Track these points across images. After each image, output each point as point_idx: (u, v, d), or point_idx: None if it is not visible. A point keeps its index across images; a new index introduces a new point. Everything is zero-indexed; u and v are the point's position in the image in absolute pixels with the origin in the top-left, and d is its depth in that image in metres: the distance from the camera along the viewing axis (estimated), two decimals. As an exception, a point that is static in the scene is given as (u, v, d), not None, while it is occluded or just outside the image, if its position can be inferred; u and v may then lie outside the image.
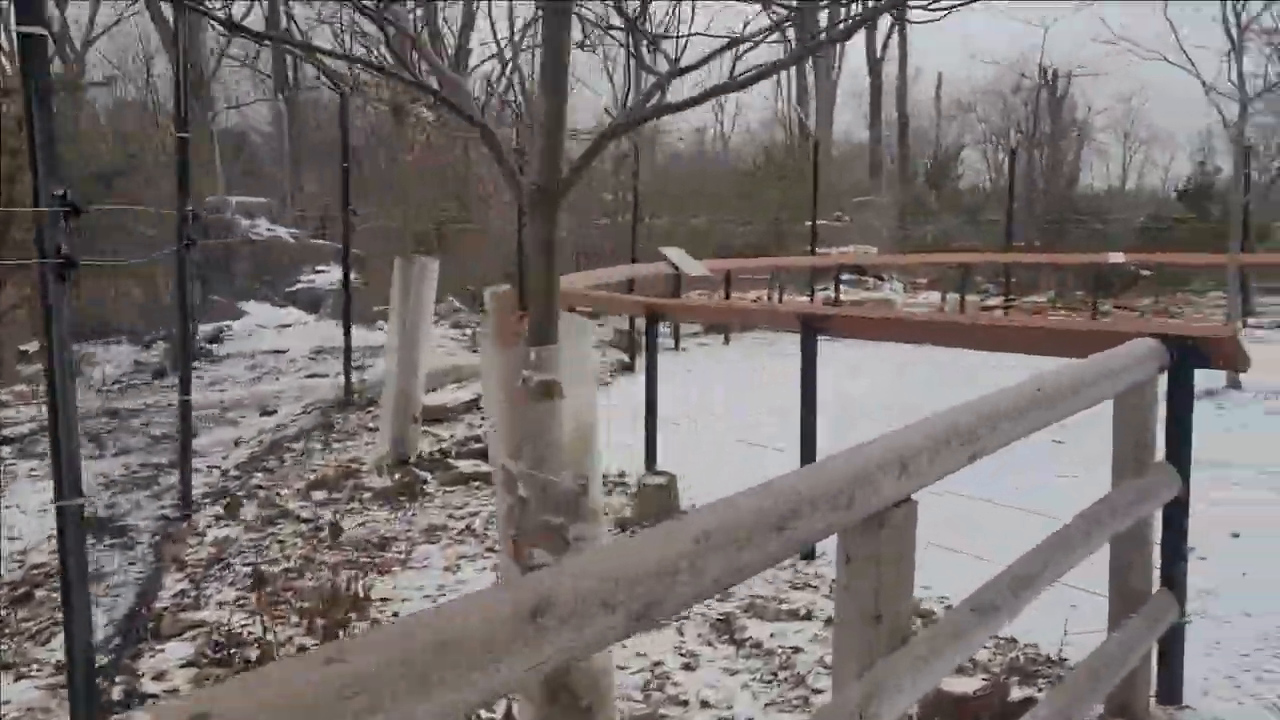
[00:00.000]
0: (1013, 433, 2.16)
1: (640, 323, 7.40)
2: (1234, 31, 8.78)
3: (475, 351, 12.62)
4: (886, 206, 20.51)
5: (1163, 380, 3.07)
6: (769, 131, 39.27)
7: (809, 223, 22.40)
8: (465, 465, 6.14)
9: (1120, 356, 2.83)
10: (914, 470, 1.79)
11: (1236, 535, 5.05)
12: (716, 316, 5.32)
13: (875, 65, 36.22)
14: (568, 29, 2.08)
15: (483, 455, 6.48)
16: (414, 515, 5.44)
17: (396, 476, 6.00)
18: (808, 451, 4.63)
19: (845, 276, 20.27)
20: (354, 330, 13.04)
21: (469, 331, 13.85)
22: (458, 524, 5.26)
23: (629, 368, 10.16)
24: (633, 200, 13.24)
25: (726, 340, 12.53)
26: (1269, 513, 5.36)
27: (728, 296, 12.48)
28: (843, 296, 16.54)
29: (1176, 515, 3.09)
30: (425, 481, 5.99)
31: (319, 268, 15.83)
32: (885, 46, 36.14)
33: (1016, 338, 3.54)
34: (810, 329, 4.50)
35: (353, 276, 16.54)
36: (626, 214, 22.15)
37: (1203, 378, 3.37)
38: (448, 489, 5.91)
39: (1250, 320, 15.05)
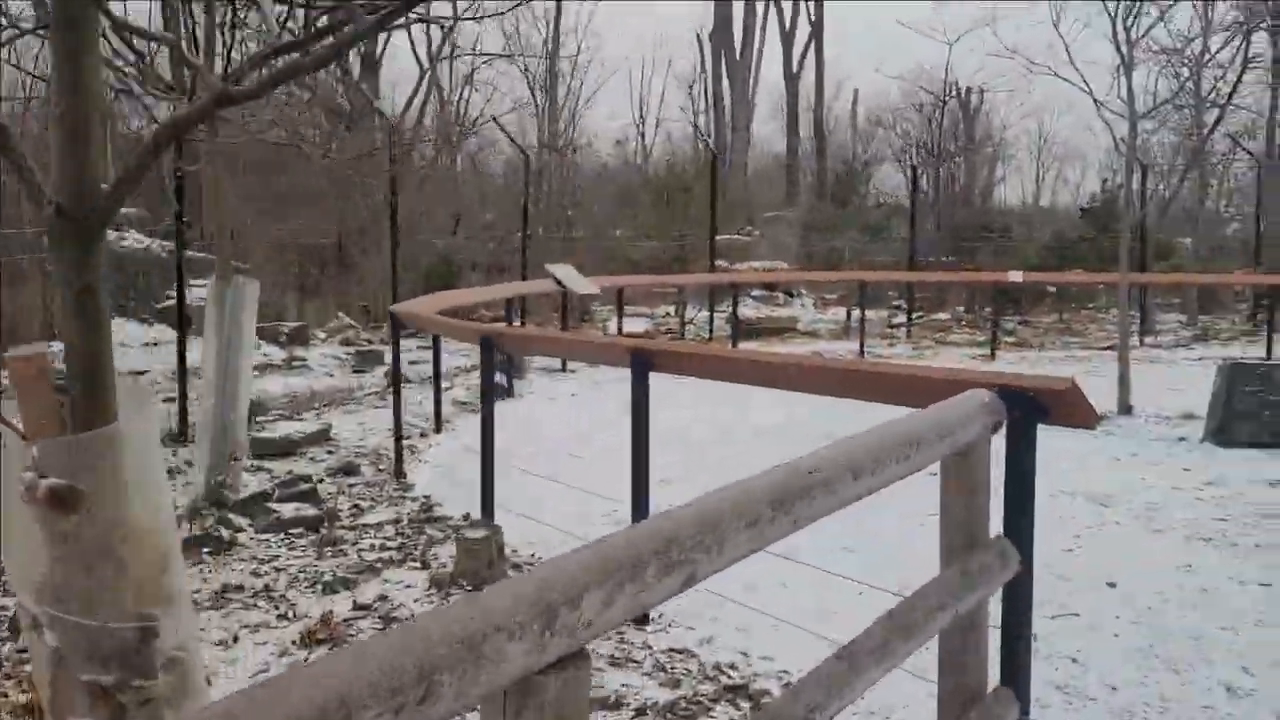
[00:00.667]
0: (741, 549, 1.64)
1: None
2: (1124, 47, 8.56)
3: (359, 372, 11.94)
4: (796, 222, 20.26)
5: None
6: (690, 144, 39.15)
7: (721, 236, 22.15)
8: (287, 509, 5.50)
9: (948, 411, 2.36)
10: (562, 625, 1.25)
11: (1113, 585, 4.67)
12: (549, 346, 4.85)
13: (791, 80, 36.27)
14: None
15: (310, 496, 5.85)
16: (210, 572, 4.79)
17: (207, 524, 5.34)
18: (639, 506, 4.11)
19: (755, 293, 20.03)
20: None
21: (353, 351, 13.13)
22: (257, 582, 4.63)
23: (507, 393, 9.58)
24: (522, 217, 12.64)
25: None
26: (1151, 557, 5.01)
27: (620, 315, 11.98)
28: (750, 313, 16.18)
29: (1017, 598, 2.63)
30: (239, 529, 5.34)
31: (196, 282, 14.95)
32: (801, 60, 36.24)
33: (852, 382, 3.06)
34: (641, 364, 3.99)
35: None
36: (549, 228, 21.71)
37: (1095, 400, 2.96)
38: (261, 537, 5.27)
39: (1148, 339, 15.03)
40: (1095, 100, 8.76)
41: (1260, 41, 16.67)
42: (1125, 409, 8.63)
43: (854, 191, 18.88)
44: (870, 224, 17.61)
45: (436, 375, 7.94)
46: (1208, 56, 14.48)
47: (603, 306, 19.85)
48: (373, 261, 19.59)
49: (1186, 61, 10.47)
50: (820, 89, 36.25)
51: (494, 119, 14.91)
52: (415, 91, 33.82)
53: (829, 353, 13.17)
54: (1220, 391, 7.44)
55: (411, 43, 33.85)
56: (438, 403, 7.93)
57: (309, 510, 5.51)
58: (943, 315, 17.73)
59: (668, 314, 17.75)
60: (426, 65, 34.64)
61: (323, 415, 8.63)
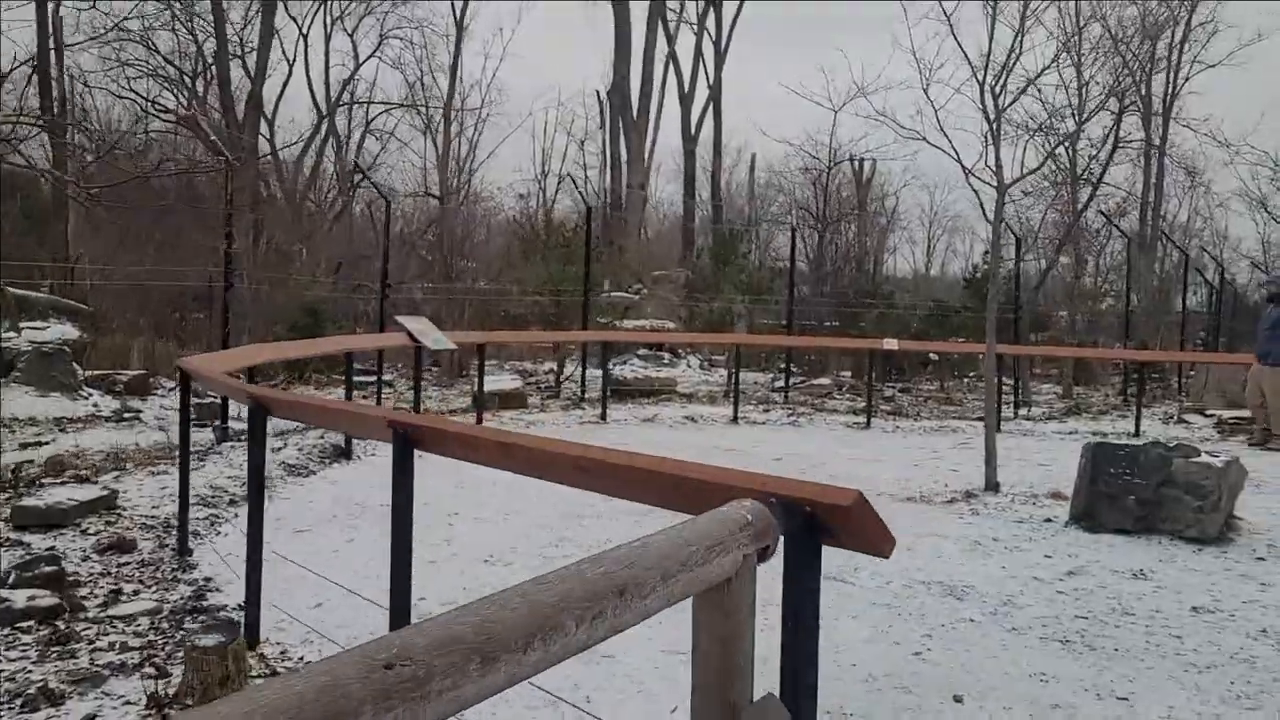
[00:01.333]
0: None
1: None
2: (991, 115, 8.37)
3: (202, 426, 10.92)
4: (677, 281, 19.93)
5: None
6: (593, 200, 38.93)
7: (605, 294, 21.69)
8: (19, 596, 4.64)
9: (695, 530, 1.77)
10: None
11: (959, 699, 4.15)
12: (317, 415, 4.22)
13: (689, 140, 36.42)
14: None
15: (54, 581, 4.98)
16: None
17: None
18: (398, 609, 3.44)
19: (641, 351, 19.56)
20: (25, 399, 11.14)
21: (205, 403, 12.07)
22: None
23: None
24: (381, 265, 11.90)
25: (479, 420, 11.28)
26: (1005, 663, 4.52)
27: (480, 371, 11.28)
28: (629, 373, 15.65)
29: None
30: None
31: (28, 324, 13.75)
32: (699, 122, 36.46)
33: (626, 479, 2.47)
34: (403, 441, 3.35)
35: (78, 333, 14.61)
36: (439, 280, 20.95)
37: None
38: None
39: (1021, 411, 14.97)
40: (964, 168, 8.54)
41: (1130, 124, 17.07)
42: (992, 486, 8.29)
43: (733, 252, 18.62)
44: (751, 285, 17.34)
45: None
46: (1077, 133, 14.67)
47: (490, 362, 19.18)
48: (246, 306, 18.55)
49: (1057, 137, 10.43)
50: (718, 150, 36.55)
51: (359, 167, 14.13)
52: (312, 136, 32.95)
53: (702, 417, 12.69)
54: (1085, 473, 7.12)
55: (310, 89, 33.07)
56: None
57: (47, 599, 4.67)
58: (825, 380, 17.50)
59: (550, 370, 17.15)
60: (324, 111, 33.88)
61: (124, 477, 7.70)
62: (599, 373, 16.30)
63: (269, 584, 4.72)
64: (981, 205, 8.65)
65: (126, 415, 11.39)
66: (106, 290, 17.63)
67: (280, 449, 8.77)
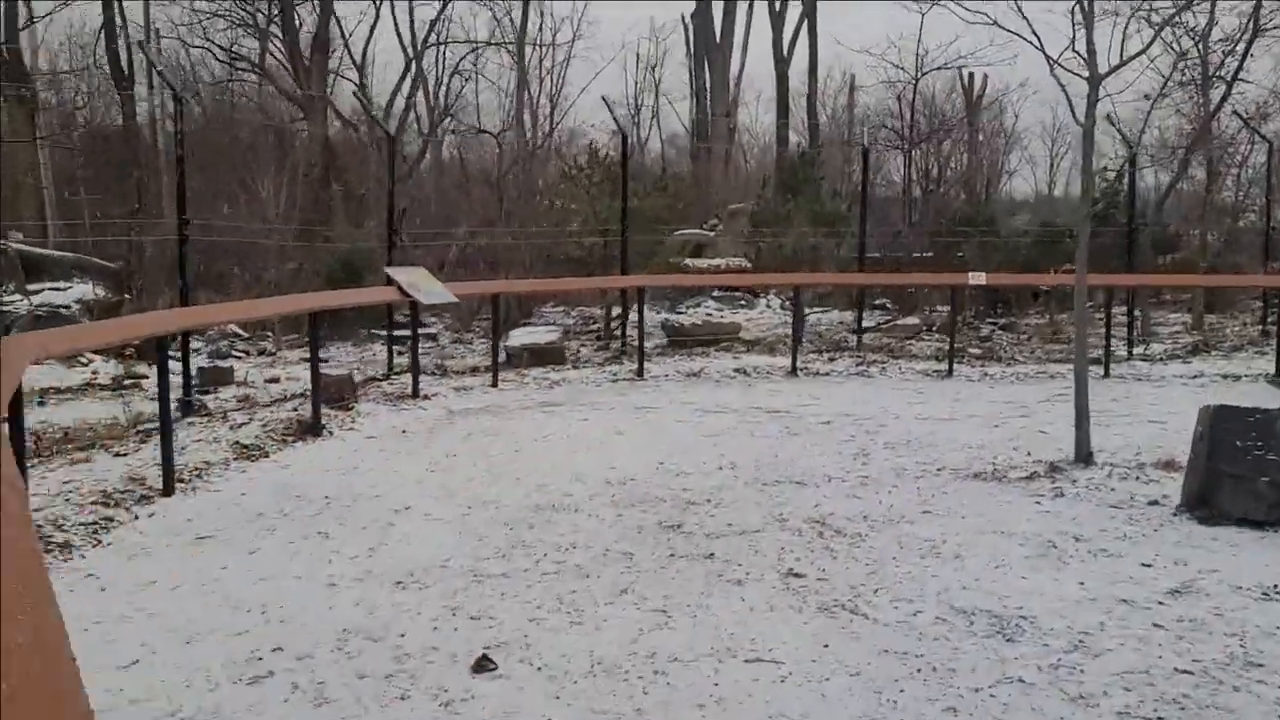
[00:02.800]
0: None
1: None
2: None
3: (204, 392, 10.04)
4: (745, 215, 18.27)
5: None
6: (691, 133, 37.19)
7: (675, 231, 20.14)
8: None
9: None
10: None
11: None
12: None
13: (781, 63, 34.13)
14: None
15: None
16: None
17: None
18: None
19: (716, 293, 18.03)
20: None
21: (211, 365, 11.20)
22: None
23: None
24: (387, 209, 10.68)
25: (495, 383, 10.05)
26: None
27: (495, 324, 10.03)
28: (686, 320, 14.18)
29: None
30: None
31: (49, 285, 13.11)
32: (793, 44, 34.09)
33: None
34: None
35: (99, 293, 13.95)
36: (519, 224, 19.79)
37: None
38: None
39: (1138, 349, 12.98)
40: (1048, 58, 6.78)
41: (1273, 8, 14.53)
42: (1084, 457, 6.64)
43: (809, 178, 16.79)
44: (825, 216, 15.55)
45: (164, 410, 6.00)
46: (1210, 21, 12.40)
47: (553, 309, 17.94)
48: (299, 256, 17.77)
49: (1165, 14, 8.46)
50: (814, 71, 34.12)
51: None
52: (401, 80, 32.17)
53: (757, 369, 11.20)
54: (1202, 445, 5.44)
55: (397, 30, 32.28)
56: (167, 453, 5.98)
57: None
58: (914, 320, 15.69)
59: (590, 317, 15.87)
60: (411, 54, 32.94)
61: (49, 464, 6.71)
62: (664, 317, 14.92)
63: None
64: (1070, 104, 6.87)
65: (127, 384, 10.57)
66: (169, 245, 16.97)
67: (244, 425, 7.70)
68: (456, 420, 8.43)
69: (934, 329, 15.31)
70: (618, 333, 13.12)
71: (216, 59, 30.12)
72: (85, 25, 27.35)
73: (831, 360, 11.77)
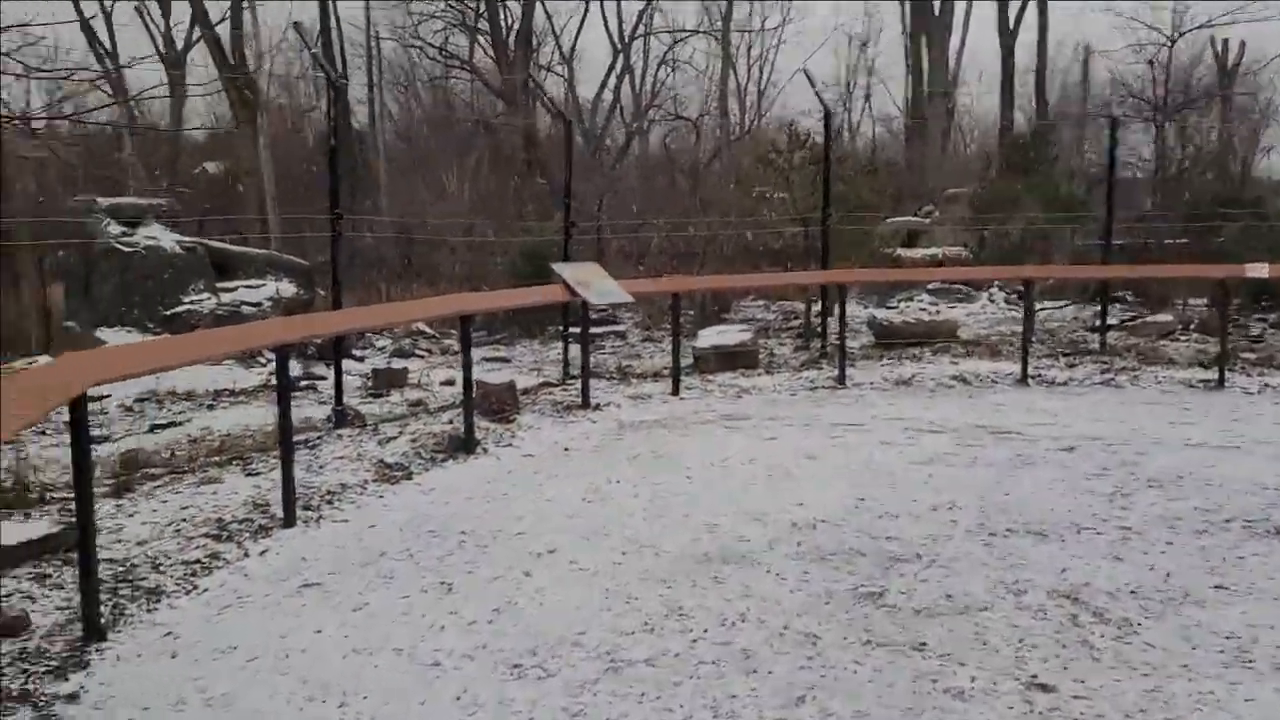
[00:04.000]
0: None
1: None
2: None
3: (376, 395, 9.59)
4: (963, 199, 16.44)
5: None
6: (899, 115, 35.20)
7: (889, 219, 18.55)
8: None
9: None
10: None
11: None
12: None
13: (1006, 36, 31.44)
14: None
15: None
16: None
17: None
18: None
19: (931, 286, 16.39)
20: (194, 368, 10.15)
21: (387, 367, 10.78)
22: None
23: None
24: (565, 196, 9.85)
25: (675, 390, 9.02)
26: None
27: (675, 325, 9.00)
28: (896, 317, 12.68)
29: None
30: None
31: (243, 283, 13.12)
32: (1019, 20, 31.30)
33: None
34: None
35: (295, 291, 13.91)
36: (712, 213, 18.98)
37: None
38: None
39: None
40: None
41: None
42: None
43: (1042, 158, 14.81)
44: (1059, 199, 13.60)
45: (284, 436, 5.32)
46: None
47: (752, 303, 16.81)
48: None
49: None
50: (1043, 40, 31.19)
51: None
52: (608, 73, 32.14)
53: (979, 377, 9.68)
54: None
55: (605, 22, 32.31)
56: (288, 479, 5.28)
57: None
58: (1166, 317, 13.51)
59: (792, 313, 14.60)
60: (619, 45, 32.71)
61: (169, 487, 6.15)
62: (871, 313, 13.50)
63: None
64: None
65: (302, 385, 10.25)
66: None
67: (392, 439, 7.02)
68: (626, 435, 7.47)
69: (1190, 326, 13.15)
70: (819, 330, 11.84)
71: (428, 57, 30.85)
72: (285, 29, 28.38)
73: (1070, 366, 10.04)
